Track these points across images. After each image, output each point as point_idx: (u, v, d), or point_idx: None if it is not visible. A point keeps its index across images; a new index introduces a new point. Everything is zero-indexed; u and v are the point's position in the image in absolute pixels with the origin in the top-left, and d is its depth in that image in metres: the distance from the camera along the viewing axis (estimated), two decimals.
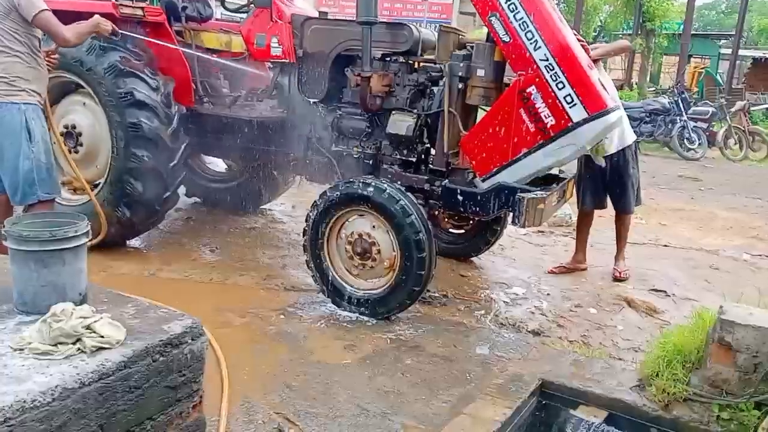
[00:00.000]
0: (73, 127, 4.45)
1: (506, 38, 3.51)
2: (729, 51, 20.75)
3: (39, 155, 3.49)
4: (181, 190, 5.00)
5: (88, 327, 1.97)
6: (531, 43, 3.45)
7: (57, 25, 3.47)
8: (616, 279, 4.70)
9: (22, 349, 1.91)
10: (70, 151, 4.51)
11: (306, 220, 3.80)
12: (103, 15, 4.24)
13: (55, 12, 4.42)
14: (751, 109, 14.07)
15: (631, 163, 4.55)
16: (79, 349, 1.92)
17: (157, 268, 4.26)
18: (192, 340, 2.16)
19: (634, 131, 13.64)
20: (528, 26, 3.45)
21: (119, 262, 4.29)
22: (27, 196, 3.50)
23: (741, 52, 20.38)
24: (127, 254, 4.51)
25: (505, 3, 3.48)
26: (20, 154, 3.42)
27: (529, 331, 3.70)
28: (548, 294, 4.34)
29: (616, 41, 4.75)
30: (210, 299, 3.76)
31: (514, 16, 3.47)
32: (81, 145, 4.45)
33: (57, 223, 2.25)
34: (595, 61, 3.95)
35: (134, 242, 4.73)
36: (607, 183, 4.58)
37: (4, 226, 2.14)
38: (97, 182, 4.51)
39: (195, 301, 3.73)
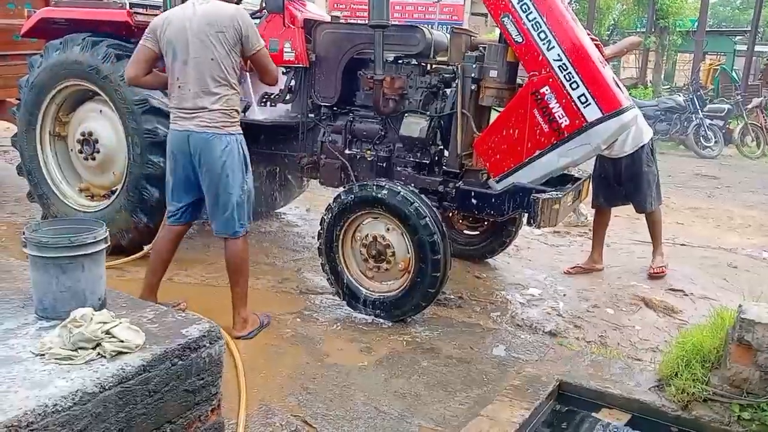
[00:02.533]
0: (90, 134, 4.50)
1: (519, 39, 3.50)
2: (744, 47, 20.52)
3: (250, 185, 3.40)
4: None
5: (107, 332, 1.99)
6: (544, 44, 3.44)
7: (272, 63, 3.43)
8: (650, 276, 4.68)
9: (43, 355, 1.93)
10: (86, 158, 4.58)
11: (320, 224, 3.81)
12: (117, 23, 4.32)
13: (69, 21, 4.52)
14: None
15: (645, 160, 4.49)
16: (99, 353, 1.95)
17: (173, 273, 4.28)
18: (210, 343, 2.18)
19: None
20: (541, 26, 3.44)
21: (137, 267, 4.33)
22: (237, 228, 3.36)
23: (757, 48, 20.12)
24: (144, 260, 4.54)
25: (518, 3, 3.47)
26: (241, 184, 3.30)
27: (545, 332, 3.68)
28: (565, 295, 4.32)
29: (625, 38, 4.69)
30: (226, 303, 3.78)
31: (526, 16, 3.47)
32: (98, 152, 4.50)
33: (75, 229, 2.28)
34: (607, 60, 3.92)
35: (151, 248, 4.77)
36: (621, 182, 4.54)
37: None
38: (114, 189, 4.56)
39: (211, 305, 3.75)
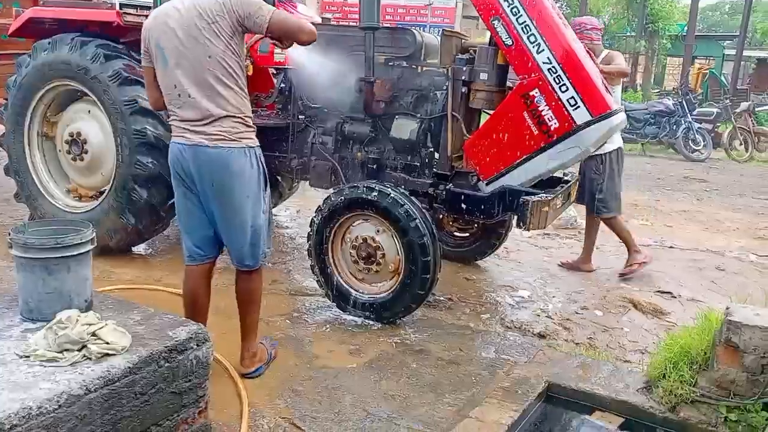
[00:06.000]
0: (78, 134, 4.47)
1: (509, 42, 3.51)
2: (733, 52, 20.72)
3: (268, 207, 2.89)
4: None
5: (93, 334, 1.98)
6: (534, 47, 3.45)
7: (293, 20, 2.71)
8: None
9: (27, 357, 1.92)
10: (74, 159, 4.55)
11: (310, 225, 3.80)
12: (107, 23, 4.29)
13: (58, 21, 4.49)
14: (756, 109, 14.03)
15: (594, 168, 4.61)
16: (84, 355, 1.93)
17: (162, 275, 4.27)
18: (197, 345, 2.17)
19: (639, 133, 13.56)
20: (531, 29, 3.45)
21: (124, 269, 4.30)
22: (257, 258, 2.87)
23: (745, 52, 20.34)
24: (132, 261, 4.53)
25: (508, 7, 3.48)
26: (262, 207, 2.80)
27: (535, 334, 3.69)
28: (554, 297, 4.33)
29: (615, 63, 4.71)
30: (215, 305, 3.76)
31: (516, 19, 3.47)
32: (86, 152, 4.47)
33: (62, 230, 2.27)
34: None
35: (139, 249, 4.75)
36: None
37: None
38: (102, 190, 4.53)
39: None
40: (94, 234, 2.27)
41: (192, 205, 2.81)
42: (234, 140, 2.67)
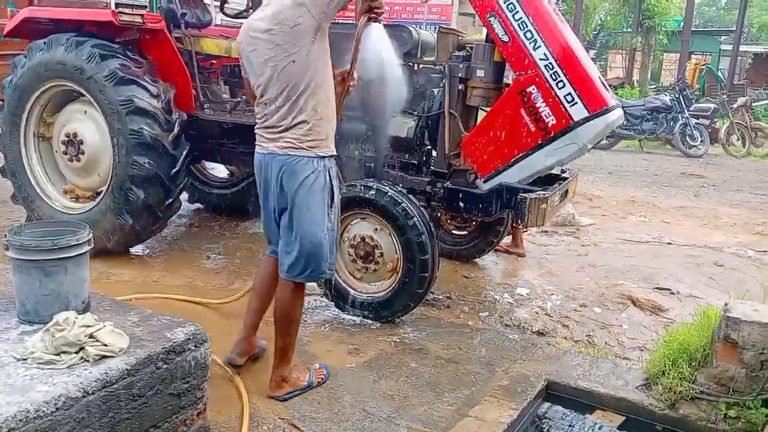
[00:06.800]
0: (75, 135, 4.45)
1: (505, 38, 3.50)
2: (730, 47, 20.72)
3: (334, 224, 2.73)
4: (184, 196, 5.00)
5: (91, 335, 1.97)
6: (530, 43, 3.44)
7: None
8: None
9: (25, 359, 1.91)
10: (71, 160, 4.54)
11: None
12: (102, 23, 4.28)
13: (53, 21, 4.48)
14: (754, 104, 14.05)
15: None
16: (82, 357, 1.93)
17: (160, 275, 4.25)
18: (195, 347, 2.16)
19: (637, 129, 13.62)
20: (527, 26, 3.44)
21: (122, 269, 4.29)
22: (295, 273, 2.72)
23: (742, 48, 20.38)
24: (129, 261, 4.51)
25: (504, 3, 3.47)
26: (322, 222, 2.67)
27: (534, 332, 3.69)
28: (552, 294, 4.33)
29: None
30: (215, 306, 3.76)
31: (512, 16, 3.46)
32: (83, 153, 4.46)
33: (59, 232, 2.26)
34: None
35: (137, 249, 4.73)
36: None
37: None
38: (99, 190, 4.52)
39: (198, 308, 3.73)
40: (91, 235, 2.26)
41: (267, 206, 2.80)
42: (304, 149, 2.61)
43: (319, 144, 2.64)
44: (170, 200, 4.40)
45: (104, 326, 2.03)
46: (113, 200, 4.29)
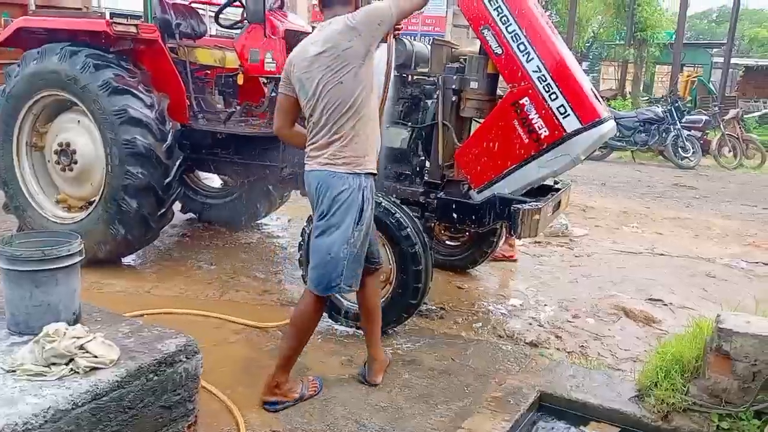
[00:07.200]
0: (68, 144, 4.45)
1: (499, 51, 3.52)
2: (721, 59, 20.91)
3: (357, 241, 2.76)
4: (176, 206, 4.99)
5: (81, 347, 1.96)
6: (523, 55, 3.46)
7: (405, 2, 2.76)
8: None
9: (14, 371, 1.89)
10: (64, 169, 4.52)
11: (301, 235, 3.78)
12: (96, 33, 4.28)
13: (47, 31, 4.47)
14: (745, 117, 14.14)
15: None
16: (72, 369, 1.91)
17: (152, 285, 4.24)
18: (186, 358, 2.15)
19: (629, 140, 13.71)
20: (520, 38, 3.46)
21: (114, 279, 4.27)
22: (329, 287, 2.81)
23: (733, 60, 20.56)
24: (122, 272, 4.49)
25: (497, 16, 3.49)
26: (346, 237, 2.73)
27: (527, 343, 3.69)
28: (545, 305, 4.33)
29: None
30: (206, 317, 3.74)
31: (506, 28, 3.48)
32: (75, 162, 4.45)
33: (49, 242, 2.25)
34: None
35: (129, 259, 4.72)
36: None
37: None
38: (92, 200, 4.50)
39: (190, 318, 3.71)
40: (83, 245, 2.25)
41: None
42: (339, 165, 2.70)
43: (356, 161, 2.71)
44: (163, 210, 4.39)
45: (95, 337, 2.02)
46: (105, 210, 4.27)
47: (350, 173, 2.70)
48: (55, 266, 2.13)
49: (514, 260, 5.19)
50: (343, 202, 2.70)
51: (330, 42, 2.64)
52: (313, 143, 2.77)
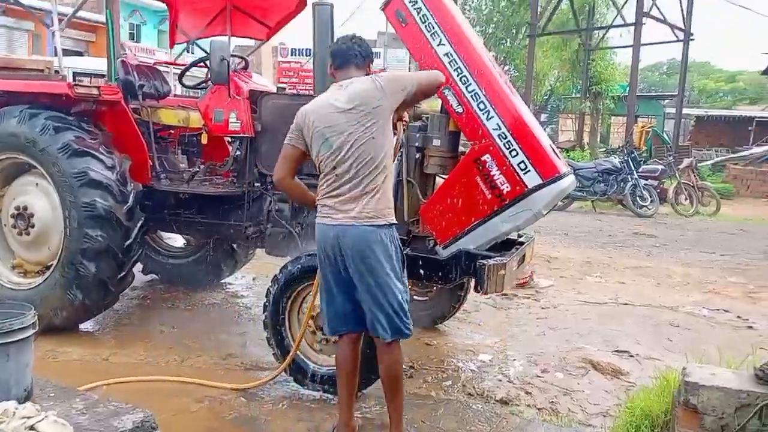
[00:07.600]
0: (25, 208, 4.35)
1: (459, 109, 3.60)
2: (673, 110, 21.77)
3: (406, 286, 2.99)
4: (137, 267, 4.88)
5: (31, 428, 1.85)
6: (483, 114, 3.54)
7: (427, 77, 3.08)
8: None
9: None
10: (20, 233, 4.40)
11: (266, 296, 3.72)
12: (58, 95, 4.24)
13: (6, 93, 4.42)
14: (699, 165, 14.64)
15: None
16: None
17: (111, 353, 4.08)
18: None
19: (589, 190, 13.98)
20: (480, 97, 3.55)
21: (70, 347, 4.11)
22: (405, 327, 2.91)
23: (684, 110, 21.39)
24: (79, 338, 4.33)
25: (457, 76, 3.59)
26: (403, 279, 2.94)
27: (497, 401, 3.64)
28: (514, 359, 4.31)
29: None
30: (166, 384, 3.61)
31: (466, 88, 3.57)
32: (32, 226, 4.34)
33: (1, 315, 2.16)
34: None
35: (86, 325, 4.55)
36: None
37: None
38: (49, 264, 4.37)
39: (149, 387, 3.57)
40: (36, 317, 2.17)
41: (335, 283, 2.95)
42: (377, 217, 2.84)
43: (387, 213, 2.89)
44: (123, 274, 4.27)
45: (46, 416, 1.92)
46: (63, 275, 4.15)
47: (387, 224, 2.88)
48: (6, 341, 2.05)
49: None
50: (387, 251, 2.85)
51: (358, 100, 2.81)
52: (337, 195, 2.84)
